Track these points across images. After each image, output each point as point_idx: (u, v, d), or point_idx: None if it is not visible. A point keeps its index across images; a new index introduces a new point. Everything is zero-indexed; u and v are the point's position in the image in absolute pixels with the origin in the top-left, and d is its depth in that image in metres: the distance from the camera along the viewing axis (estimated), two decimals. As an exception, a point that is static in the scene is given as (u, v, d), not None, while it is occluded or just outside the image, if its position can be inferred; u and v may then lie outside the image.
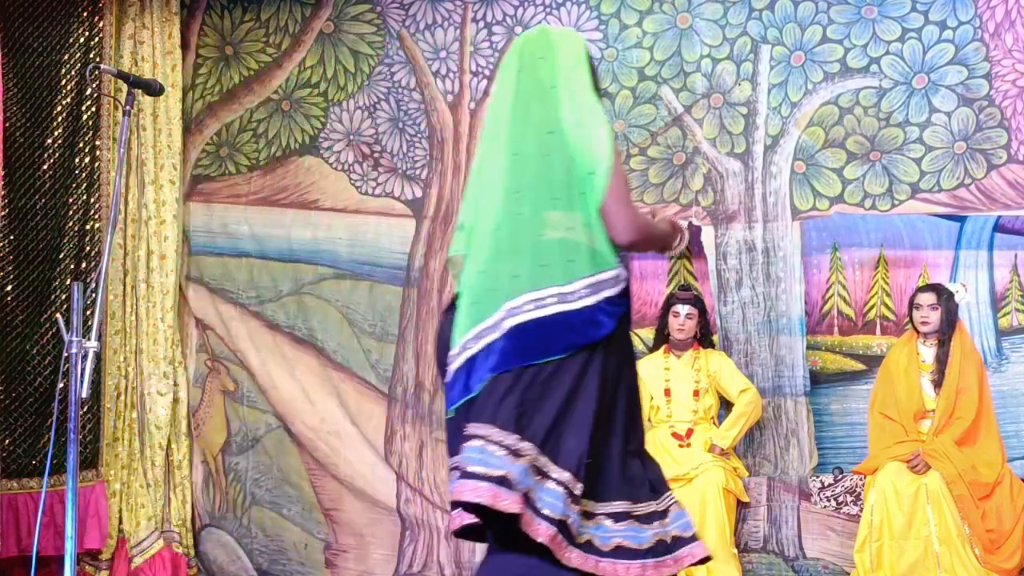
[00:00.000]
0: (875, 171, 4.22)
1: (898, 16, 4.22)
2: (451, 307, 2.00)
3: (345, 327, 4.44)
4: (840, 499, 4.23)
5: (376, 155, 4.50)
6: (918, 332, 4.06)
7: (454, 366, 1.89)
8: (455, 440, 1.90)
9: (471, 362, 1.86)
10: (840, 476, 4.30)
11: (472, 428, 1.81)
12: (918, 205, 4.21)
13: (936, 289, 4.07)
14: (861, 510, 3.98)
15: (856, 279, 4.50)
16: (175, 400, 4.43)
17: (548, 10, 4.37)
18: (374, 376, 4.42)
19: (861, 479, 4.13)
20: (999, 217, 4.33)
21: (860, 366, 4.44)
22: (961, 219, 4.39)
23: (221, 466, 4.47)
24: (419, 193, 4.47)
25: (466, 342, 1.87)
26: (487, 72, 4.43)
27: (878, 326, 4.48)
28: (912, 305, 4.07)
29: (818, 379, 4.38)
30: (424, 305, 4.41)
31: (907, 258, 4.46)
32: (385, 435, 4.38)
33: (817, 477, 4.27)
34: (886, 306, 4.47)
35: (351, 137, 4.52)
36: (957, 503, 3.81)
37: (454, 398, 1.90)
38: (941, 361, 3.99)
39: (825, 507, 4.23)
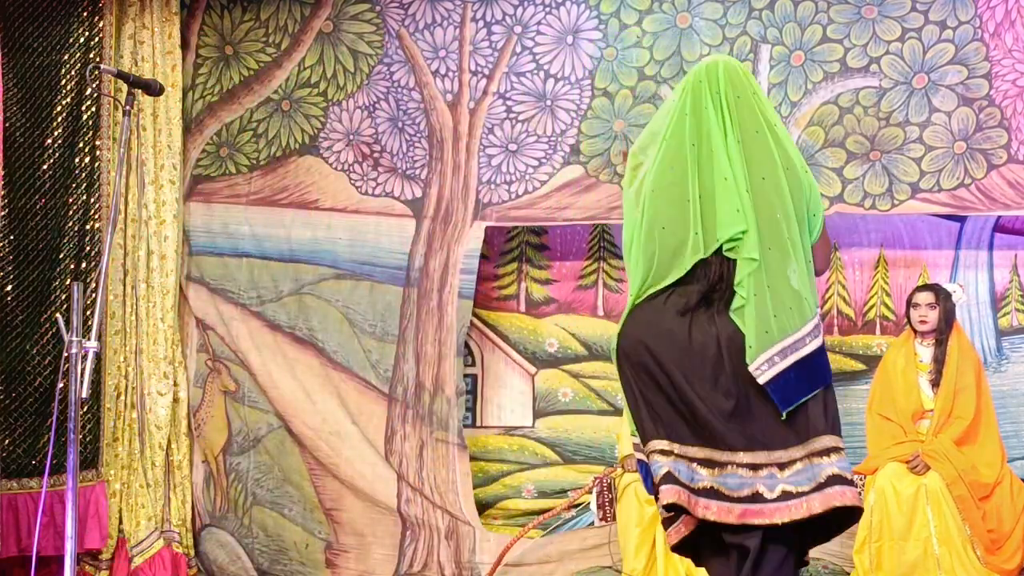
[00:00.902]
0: (875, 171, 4.23)
1: (898, 16, 4.23)
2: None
3: (345, 327, 4.46)
4: (840, 499, 4.32)
5: (376, 155, 4.51)
6: (916, 332, 4.07)
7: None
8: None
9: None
10: (840, 476, 4.35)
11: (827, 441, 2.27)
12: (918, 205, 4.21)
13: (934, 288, 4.09)
14: None
15: (856, 279, 4.52)
16: (175, 400, 4.45)
17: (548, 9, 4.38)
18: (374, 376, 4.44)
19: (861, 479, 4.09)
20: (999, 217, 4.37)
21: (860, 366, 4.47)
22: (961, 219, 4.43)
23: (222, 466, 4.49)
24: (419, 193, 4.48)
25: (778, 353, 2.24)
26: (486, 71, 4.43)
27: (878, 326, 4.50)
28: (910, 304, 4.08)
29: (818, 379, 4.42)
30: (424, 305, 4.43)
31: (907, 258, 4.49)
32: (385, 435, 4.39)
33: (818, 477, 4.31)
34: (886, 306, 4.49)
35: (351, 137, 4.53)
36: (957, 504, 3.79)
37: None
38: (939, 361, 3.99)
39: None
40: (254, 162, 4.58)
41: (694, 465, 2.26)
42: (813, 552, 4.12)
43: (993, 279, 4.45)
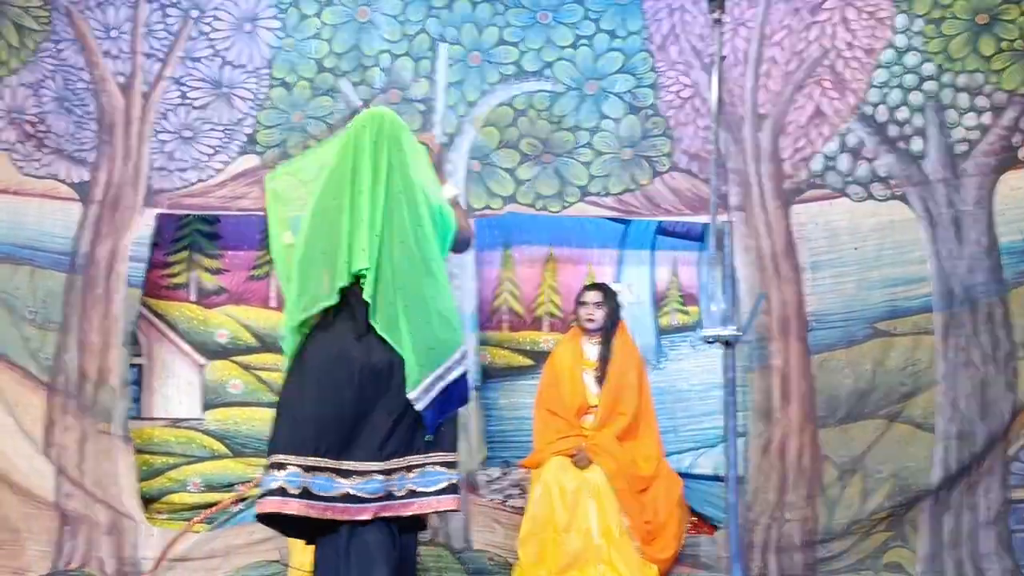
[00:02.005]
0: (547, 173, 5.97)
1: (571, 23, 5.97)
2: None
3: (3, 313, 5.77)
4: (507, 492, 6.00)
5: (40, 135, 5.87)
6: (583, 329, 5.73)
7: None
8: None
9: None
10: (507, 470, 6.06)
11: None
12: (587, 208, 5.95)
13: (601, 287, 5.75)
14: (526, 503, 5.55)
15: (526, 276, 6.55)
16: None
17: None
18: (34, 365, 5.77)
19: (527, 473, 5.78)
20: (661, 221, 6.48)
21: (528, 361, 6.28)
22: (626, 221, 6.27)
23: None
24: (86, 176, 5.86)
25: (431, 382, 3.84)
26: (161, 55, 5.87)
27: (545, 323, 6.50)
28: (578, 302, 5.74)
29: (488, 374, 6.13)
30: (90, 292, 5.77)
31: (574, 257, 6.47)
32: (44, 426, 5.74)
33: (485, 470, 6.02)
34: (553, 303, 6.48)
35: (13, 115, 5.89)
36: (617, 496, 5.28)
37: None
38: (604, 358, 5.66)
39: (492, 500, 5.95)
40: None
41: (326, 475, 3.83)
42: (479, 544, 5.98)
43: (655, 279, 6.49)
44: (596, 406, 5.65)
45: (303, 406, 3.86)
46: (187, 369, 6.29)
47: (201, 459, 6.22)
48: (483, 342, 6.24)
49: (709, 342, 3.34)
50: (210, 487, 6.15)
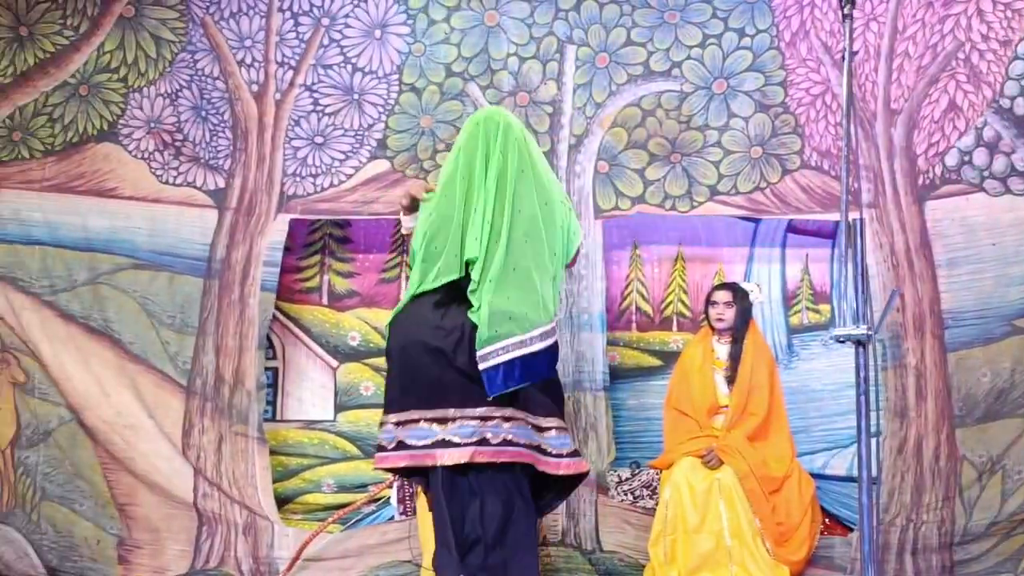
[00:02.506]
0: (675, 173, 6.55)
1: (699, 22, 6.55)
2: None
3: (143, 318, 6.48)
4: (637, 493, 6.52)
5: (177, 144, 6.60)
6: (713, 329, 6.23)
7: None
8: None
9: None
10: (637, 470, 6.64)
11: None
12: (716, 207, 6.51)
13: (732, 287, 6.25)
14: (657, 504, 5.87)
15: (654, 276, 7.01)
16: (-40, 392, 6.29)
17: (356, 3, 6.56)
18: (173, 369, 6.46)
19: (657, 473, 6.33)
20: (791, 219, 6.84)
21: (657, 362, 6.86)
22: (756, 219, 6.81)
23: (10, 460, 6.42)
24: (222, 183, 6.59)
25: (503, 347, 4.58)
26: (293, 63, 6.59)
27: (675, 323, 7.01)
28: (708, 302, 6.25)
29: (616, 374, 6.72)
30: (226, 297, 6.49)
31: (704, 256, 7.00)
32: (183, 428, 6.43)
33: (615, 471, 6.56)
34: (683, 303, 7.01)
35: (152, 124, 6.65)
36: (748, 497, 5.63)
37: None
38: (735, 358, 6.11)
39: (622, 501, 6.47)
40: (49, 147, 6.59)
41: (429, 424, 4.71)
42: (609, 545, 6.46)
43: (785, 278, 6.91)
44: (726, 406, 6.06)
45: (391, 372, 4.78)
46: (320, 372, 6.99)
47: (334, 460, 6.90)
48: (612, 342, 6.82)
49: (840, 341, 3.55)
50: (343, 488, 6.83)
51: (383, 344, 6.62)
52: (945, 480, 6.17)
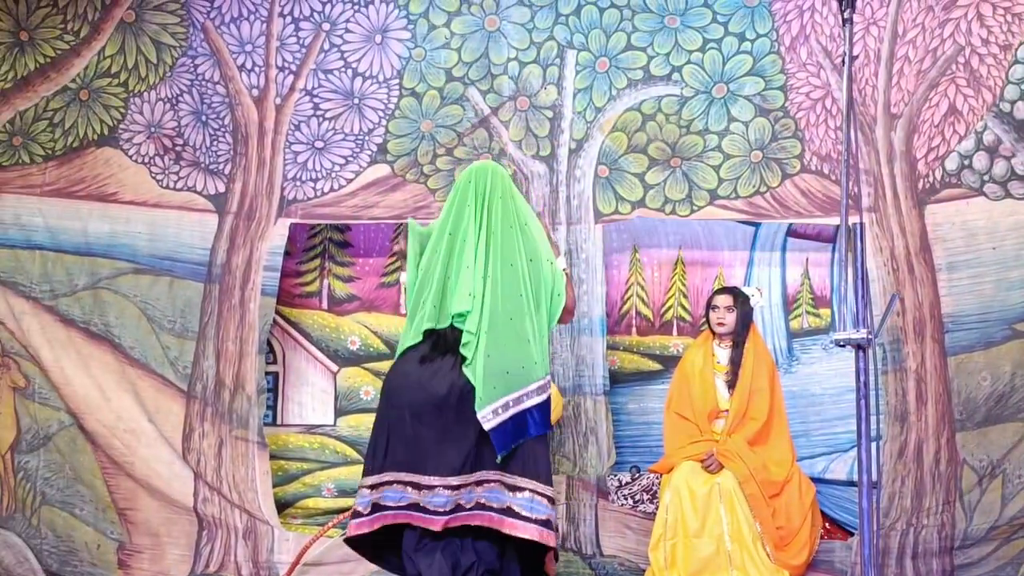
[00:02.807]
0: (675, 177, 6.55)
1: (699, 26, 6.55)
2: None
3: (143, 323, 6.51)
4: (637, 497, 6.53)
5: (178, 148, 6.63)
6: (714, 333, 6.25)
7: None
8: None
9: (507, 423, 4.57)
10: (637, 475, 6.65)
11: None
12: (716, 211, 6.51)
13: (733, 292, 6.27)
14: (657, 508, 5.88)
15: (654, 280, 7.02)
16: (-40, 397, 6.32)
17: (356, 7, 6.59)
18: (173, 373, 6.48)
19: (657, 478, 6.33)
20: (791, 223, 6.86)
21: (657, 366, 6.87)
22: (756, 224, 6.81)
23: (10, 465, 6.44)
24: (222, 188, 6.61)
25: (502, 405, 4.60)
26: (293, 68, 6.61)
27: (675, 327, 7.01)
28: (709, 307, 6.27)
29: (616, 378, 6.73)
30: (226, 301, 6.51)
31: (704, 260, 7.01)
32: (183, 433, 6.46)
33: (615, 475, 6.58)
34: (683, 307, 7.01)
35: (152, 129, 6.66)
36: (749, 502, 5.67)
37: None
38: (735, 362, 6.12)
39: (622, 505, 6.48)
40: (49, 152, 6.62)
41: (396, 487, 4.65)
42: (610, 550, 6.47)
43: (785, 282, 6.92)
44: (727, 410, 6.09)
45: (374, 433, 4.81)
46: (320, 376, 7.00)
47: (334, 465, 6.92)
48: (612, 346, 6.83)
49: (841, 345, 3.53)
50: (343, 492, 6.83)
51: (383, 348, 6.73)
52: (945, 484, 6.18)
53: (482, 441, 4.69)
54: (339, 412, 6.99)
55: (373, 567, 6.17)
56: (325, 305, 7.03)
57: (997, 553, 6.13)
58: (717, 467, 5.86)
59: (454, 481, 4.65)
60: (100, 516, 6.55)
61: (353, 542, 4.86)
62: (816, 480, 6.28)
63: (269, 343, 6.82)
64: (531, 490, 4.72)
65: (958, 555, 6.16)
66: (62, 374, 6.58)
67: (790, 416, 6.29)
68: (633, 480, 6.68)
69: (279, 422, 6.97)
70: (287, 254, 6.75)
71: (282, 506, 6.72)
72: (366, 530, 4.71)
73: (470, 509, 4.67)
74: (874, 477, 3.90)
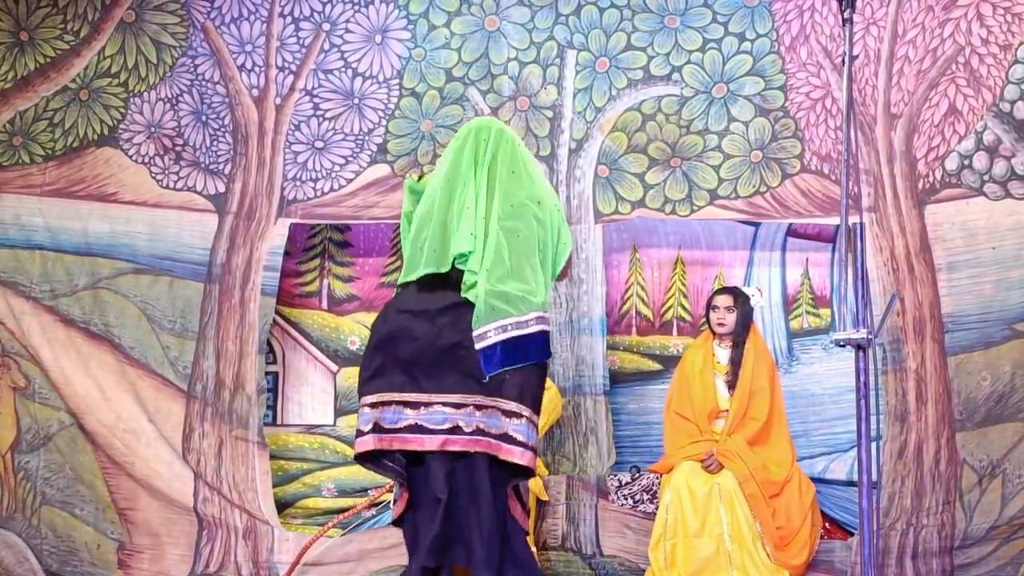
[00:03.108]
0: (675, 177, 6.55)
1: (699, 26, 6.55)
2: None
3: (143, 323, 6.52)
4: (637, 497, 6.50)
5: (178, 148, 6.63)
6: (714, 333, 6.24)
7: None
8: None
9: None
10: (637, 475, 6.61)
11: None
12: (716, 211, 6.51)
13: (733, 292, 6.26)
14: (657, 508, 5.88)
15: (654, 280, 7.02)
16: (-39, 397, 6.35)
17: (356, 8, 6.59)
18: (173, 373, 6.49)
19: (657, 478, 6.31)
20: (791, 223, 6.84)
21: (657, 366, 6.87)
22: (756, 224, 6.80)
23: (10, 465, 6.45)
24: (222, 188, 6.61)
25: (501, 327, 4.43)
26: (293, 68, 6.60)
27: (674, 327, 7.00)
28: (709, 307, 6.26)
29: (616, 378, 6.73)
30: (226, 301, 6.51)
31: (704, 260, 7.01)
32: (183, 433, 6.46)
33: (615, 475, 6.54)
34: (683, 307, 7.01)
35: (152, 129, 6.67)
36: (749, 502, 5.66)
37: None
38: (735, 363, 6.12)
39: (622, 505, 6.45)
40: (49, 152, 6.63)
41: (393, 407, 4.53)
42: (610, 550, 6.45)
43: (785, 282, 6.91)
44: (727, 410, 6.09)
45: (368, 353, 4.67)
46: (320, 376, 7.01)
47: (334, 465, 6.92)
48: (612, 347, 6.83)
49: (840, 345, 3.50)
50: (343, 492, 6.84)
51: (383, 349, 6.66)
52: (945, 484, 6.17)
53: (479, 369, 4.56)
54: (339, 412, 6.99)
55: (373, 567, 6.31)
56: (325, 305, 7.04)
57: (997, 553, 6.11)
58: (717, 467, 5.85)
59: (454, 399, 4.54)
60: (100, 516, 6.56)
61: (358, 458, 4.71)
62: (816, 480, 6.27)
63: (269, 343, 6.82)
64: (527, 417, 4.57)
65: (958, 555, 6.15)
66: (62, 374, 6.58)
67: (790, 416, 6.28)
68: (633, 480, 6.65)
69: (279, 422, 6.98)
70: (287, 254, 6.76)
71: (282, 506, 6.71)
72: (362, 449, 4.59)
73: (469, 433, 4.53)
74: (874, 477, 3.85)
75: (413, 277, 4.65)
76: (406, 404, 4.55)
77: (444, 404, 4.54)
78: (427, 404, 4.54)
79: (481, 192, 4.63)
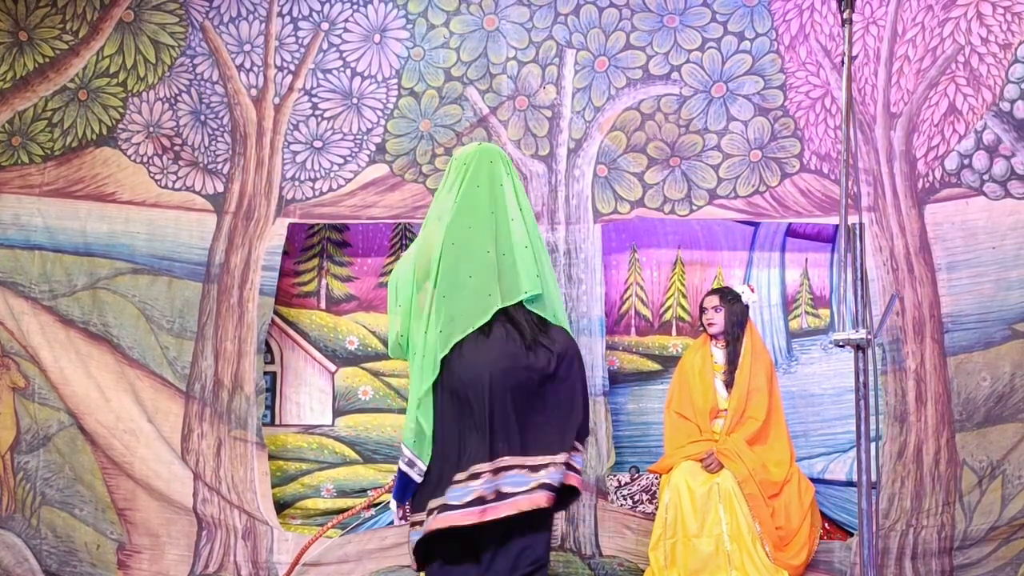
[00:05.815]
0: (675, 176, 6.49)
1: (698, 26, 6.49)
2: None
3: (142, 323, 6.46)
4: (636, 498, 6.47)
5: (176, 148, 6.57)
6: (709, 335, 6.25)
7: None
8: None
9: None
10: (636, 475, 6.60)
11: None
12: (715, 211, 6.44)
13: (719, 292, 6.22)
14: (656, 508, 5.88)
15: (653, 279, 6.97)
16: (-40, 397, 6.32)
17: (355, 7, 6.52)
18: (171, 373, 6.43)
19: (656, 478, 6.29)
20: (790, 223, 6.80)
21: (656, 366, 6.81)
22: (755, 224, 6.77)
23: (9, 465, 6.41)
24: (221, 188, 6.55)
25: None
26: (292, 67, 6.54)
27: (674, 327, 6.94)
28: (700, 308, 6.24)
29: (616, 379, 6.67)
30: (224, 301, 6.45)
31: (703, 260, 6.94)
32: (182, 433, 6.40)
33: (614, 476, 6.52)
34: (682, 307, 6.94)
35: (151, 129, 6.60)
36: (748, 501, 5.64)
37: None
38: (731, 362, 6.09)
39: (622, 505, 6.42)
40: (48, 152, 6.57)
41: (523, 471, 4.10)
42: (609, 550, 6.41)
43: (785, 282, 6.85)
44: (726, 410, 6.06)
45: (463, 414, 4.12)
46: (318, 376, 6.94)
47: (333, 465, 6.86)
48: (611, 347, 6.78)
49: (840, 346, 3.45)
50: (342, 493, 6.79)
51: (381, 348, 6.63)
52: (945, 485, 6.11)
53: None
54: (337, 412, 6.93)
55: (372, 567, 6.26)
56: (323, 305, 6.98)
57: (997, 553, 6.05)
58: (717, 467, 5.83)
59: (560, 459, 4.15)
60: (100, 516, 6.50)
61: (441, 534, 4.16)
62: (815, 480, 6.24)
63: (267, 343, 6.77)
64: (583, 449, 4.32)
65: (958, 556, 6.09)
66: (61, 374, 6.53)
67: (790, 416, 6.26)
68: (632, 480, 6.62)
69: (277, 422, 6.92)
70: (285, 254, 6.69)
71: (281, 506, 6.66)
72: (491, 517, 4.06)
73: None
74: (873, 478, 3.80)
75: (478, 323, 4.16)
76: (527, 468, 4.17)
77: (525, 467, 4.21)
78: (545, 466, 4.20)
79: (527, 230, 4.31)
